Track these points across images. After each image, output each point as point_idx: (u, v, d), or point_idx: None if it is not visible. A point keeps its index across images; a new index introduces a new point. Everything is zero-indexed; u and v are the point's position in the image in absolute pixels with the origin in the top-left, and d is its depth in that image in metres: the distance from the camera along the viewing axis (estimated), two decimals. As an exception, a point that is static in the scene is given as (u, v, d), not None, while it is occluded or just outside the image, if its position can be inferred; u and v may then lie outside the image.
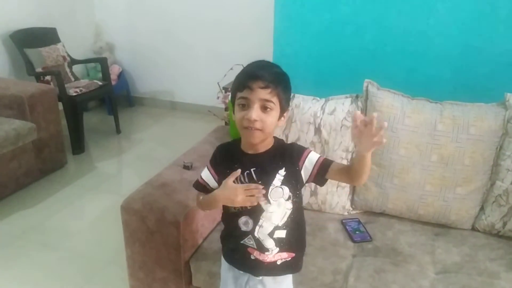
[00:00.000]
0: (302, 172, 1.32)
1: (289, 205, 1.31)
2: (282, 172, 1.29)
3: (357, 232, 1.87)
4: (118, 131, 4.27)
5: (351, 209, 2.03)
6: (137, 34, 4.79)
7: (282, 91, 1.23)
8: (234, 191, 1.26)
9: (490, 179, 1.86)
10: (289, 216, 1.32)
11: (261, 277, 1.39)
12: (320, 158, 1.32)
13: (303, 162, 1.31)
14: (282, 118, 1.29)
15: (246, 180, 1.29)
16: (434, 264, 1.71)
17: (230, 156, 1.35)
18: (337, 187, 1.98)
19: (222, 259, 1.47)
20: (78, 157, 3.75)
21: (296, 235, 1.37)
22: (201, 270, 1.72)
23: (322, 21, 2.59)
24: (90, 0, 4.74)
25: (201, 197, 1.43)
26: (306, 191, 1.98)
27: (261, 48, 2.73)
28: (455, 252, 1.77)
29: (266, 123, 1.22)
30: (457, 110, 1.84)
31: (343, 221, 1.95)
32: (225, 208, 1.37)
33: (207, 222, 1.82)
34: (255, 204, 1.26)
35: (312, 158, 1.32)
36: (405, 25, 2.46)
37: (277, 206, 1.30)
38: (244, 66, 1.29)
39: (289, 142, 1.42)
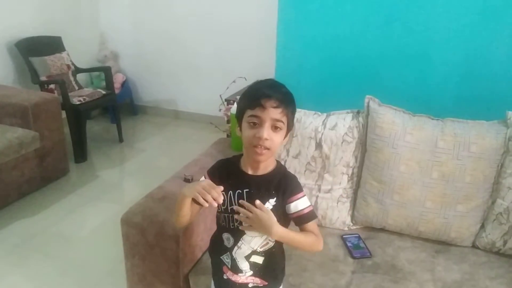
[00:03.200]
0: (286, 208, 1.32)
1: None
2: (272, 201, 1.30)
3: (357, 248, 1.87)
4: (121, 139, 4.28)
5: (351, 224, 2.03)
6: (141, 43, 4.83)
7: (291, 111, 1.26)
8: (199, 183, 1.23)
9: (491, 197, 1.86)
10: (270, 248, 1.34)
11: None
12: (307, 209, 1.32)
13: (291, 202, 1.31)
14: (287, 137, 1.31)
15: (235, 198, 1.30)
16: (434, 282, 1.70)
17: (227, 173, 1.35)
18: (337, 202, 1.98)
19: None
20: (80, 165, 3.76)
21: (273, 265, 1.38)
22: (200, 284, 1.72)
23: (325, 37, 2.60)
24: (95, 9, 4.78)
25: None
26: (306, 206, 1.98)
27: (264, 62, 2.74)
28: (455, 270, 1.76)
29: (275, 143, 1.24)
30: (458, 128, 1.84)
31: (343, 236, 1.95)
32: (217, 219, 1.38)
33: (206, 236, 1.81)
34: (205, 205, 1.17)
35: (300, 204, 1.32)
36: (407, 41, 2.47)
37: (258, 233, 1.30)
38: (246, 79, 1.31)
39: (291, 172, 1.41)
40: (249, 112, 1.23)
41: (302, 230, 1.34)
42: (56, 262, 2.53)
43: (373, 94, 1.96)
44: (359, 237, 1.94)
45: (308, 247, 1.33)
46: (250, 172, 1.32)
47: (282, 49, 2.63)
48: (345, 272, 1.74)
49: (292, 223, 1.36)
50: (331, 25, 2.56)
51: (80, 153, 3.79)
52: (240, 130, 1.29)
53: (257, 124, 1.22)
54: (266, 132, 1.21)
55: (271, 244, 1.33)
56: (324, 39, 2.59)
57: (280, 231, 1.24)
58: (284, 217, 1.33)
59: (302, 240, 1.30)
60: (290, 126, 1.28)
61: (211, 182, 1.23)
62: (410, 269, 1.76)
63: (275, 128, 1.23)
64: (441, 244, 1.92)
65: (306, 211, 1.32)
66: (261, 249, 1.33)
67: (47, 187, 3.31)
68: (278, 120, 1.22)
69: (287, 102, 1.23)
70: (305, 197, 1.34)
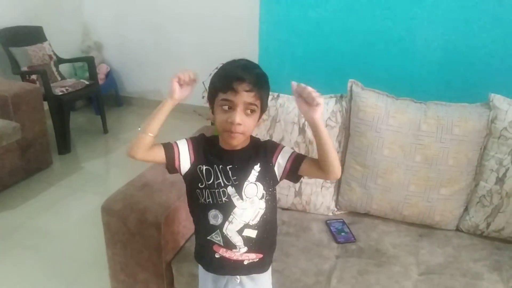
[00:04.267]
0: (276, 169, 1.31)
1: (262, 205, 1.30)
2: (257, 167, 1.28)
3: (341, 233, 1.86)
4: (105, 131, 4.22)
5: (335, 209, 2.02)
6: (125, 34, 4.75)
7: (265, 93, 1.23)
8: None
9: (474, 179, 1.86)
10: (262, 217, 1.31)
11: (239, 279, 1.37)
12: (293, 153, 1.32)
13: (276, 158, 1.31)
14: (261, 119, 1.29)
15: (222, 174, 1.28)
16: (417, 265, 1.70)
17: (209, 149, 1.32)
18: (321, 188, 1.96)
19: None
20: (64, 157, 3.71)
21: (267, 236, 1.36)
22: (183, 272, 1.70)
23: (308, 20, 2.58)
24: (78, -1, 4.70)
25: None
26: (290, 192, 1.97)
27: (247, 49, 2.70)
28: (439, 253, 1.77)
29: (248, 126, 1.21)
30: (441, 110, 1.83)
31: (328, 221, 1.94)
32: (195, 198, 1.32)
33: (189, 223, 1.79)
34: (191, 77, 1.21)
35: (285, 154, 1.31)
36: (390, 25, 2.45)
37: (250, 204, 1.28)
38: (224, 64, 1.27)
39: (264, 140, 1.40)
40: (221, 96, 1.20)
41: (306, 168, 1.29)
42: (38, 254, 2.49)
43: (356, 78, 1.94)
44: (343, 222, 1.93)
45: (334, 151, 1.24)
46: (229, 148, 1.29)
47: (264, 35, 2.61)
48: (329, 256, 1.73)
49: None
50: (313, 10, 2.53)
51: (64, 145, 3.73)
52: (213, 113, 1.26)
53: (229, 108, 1.20)
54: (239, 116, 1.18)
55: (261, 212, 1.30)
56: (307, 24, 2.57)
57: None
58: (273, 182, 1.32)
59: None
60: (264, 108, 1.26)
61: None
62: (394, 253, 1.75)
63: (247, 111, 1.20)
64: (425, 228, 1.93)
65: (294, 154, 1.31)
66: (254, 222, 1.30)
67: (30, 179, 3.26)
68: (251, 104, 1.19)
69: (261, 84, 1.20)
70: (285, 146, 1.34)
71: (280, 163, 1.31)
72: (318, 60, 2.58)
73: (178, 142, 1.32)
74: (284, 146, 1.34)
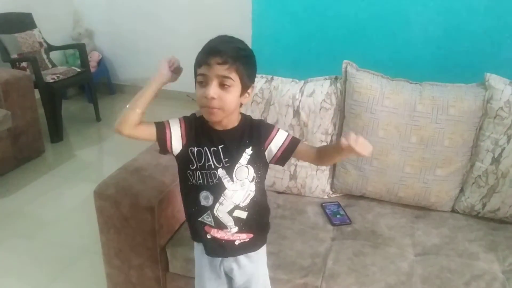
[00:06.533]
0: (266, 154, 1.30)
1: (252, 187, 1.29)
2: (249, 151, 1.26)
3: (336, 216, 1.85)
4: (98, 119, 4.18)
5: (331, 192, 2.01)
6: (117, 21, 4.69)
7: (243, 66, 1.17)
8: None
9: (470, 160, 1.85)
10: (252, 199, 1.30)
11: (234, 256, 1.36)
12: (287, 140, 1.29)
13: (269, 144, 1.29)
14: (246, 95, 1.24)
15: (213, 156, 1.26)
16: (413, 246, 1.69)
17: (200, 128, 1.29)
18: (316, 171, 1.95)
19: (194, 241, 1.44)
20: (56, 145, 3.67)
21: (258, 218, 1.35)
22: (178, 256, 1.69)
23: (301, 2, 2.54)
24: (67, -15, 4.62)
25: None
26: (285, 175, 1.95)
27: (240, 30, 2.66)
28: (434, 234, 1.76)
29: (225, 101, 1.17)
30: (437, 91, 1.81)
31: (323, 204, 1.93)
32: (186, 179, 1.31)
33: (183, 207, 1.78)
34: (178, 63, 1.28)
35: (278, 141, 1.28)
36: (385, 5, 2.42)
37: (240, 186, 1.27)
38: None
39: (256, 119, 1.37)
40: (198, 71, 1.18)
41: (298, 154, 1.30)
42: (32, 241, 2.48)
43: (351, 59, 1.91)
44: (338, 205, 1.92)
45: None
46: (219, 128, 1.27)
47: (258, 16, 2.57)
48: (325, 239, 1.72)
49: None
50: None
51: (56, 133, 3.69)
52: None
53: (203, 83, 1.17)
54: (212, 90, 1.14)
55: (252, 194, 1.29)
56: (301, 4, 2.53)
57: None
58: (264, 165, 1.30)
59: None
60: (246, 83, 1.21)
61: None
62: (390, 235, 1.75)
63: (222, 85, 1.16)
64: (420, 210, 1.92)
65: (287, 142, 1.29)
66: (243, 204, 1.29)
67: (22, 167, 3.23)
68: (225, 77, 1.15)
69: (236, 57, 1.15)
70: (280, 130, 1.31)
71: (272, 149, 1.29)
72: (312, 42, 2.55)
73: (170, 122, 1.30)
74: (278, 130, 1.31)
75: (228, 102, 1.18)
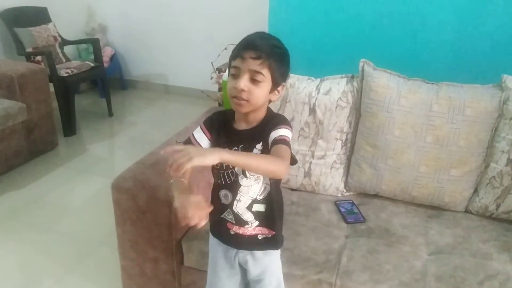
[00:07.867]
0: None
1: (267, 180, 1.30)
2: (259, 146, 1.26)
3: (351, 214, 1.86)
4: (110, 113, 4.21)
5: (344, 190, 2.02)
6: (130, 16, 4.71)
7: (275, 63, 1.18)
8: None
9: (485, 161, 1.85)
10: (268, 192, 1.31)
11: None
12: (279, 137, 1.21)
13: (271, 133, 1.23)
14: (276, 93, 1.25)
15: None
16: (427, 245, 1.70)
17: (223, 127, 1.31)
18: (331, 169, 1.96)
19: (210, 233, 1.46)
20: (69, 139, 3.71)
21: (276, 211, 1.35)
22: (193, 250, 1.70)
23: (318, 1, 2.55)
24: (82, -20, 4.65)
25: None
26: (299, 172, 1.97)
27: (255, 28, 2.67)
28: (448, 234, 1.77)
29: (254, 95, 1.18)
30: (453, 91, 1.82)
31: (337, 202, 1.94)
32: (213, 178, 1.36)
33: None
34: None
35: (275, 134, 1.22)
36: (402, 5, 2.42)
37: (254, 180, 1.28)
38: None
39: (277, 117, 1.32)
40: (232, 64, 1.21)
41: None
42: (46, 234, 2.50)
43: (368, 58, 1.92)
44: (352, 203, 1.93)
45: (264, 165, 1.14)
46: (242, 127, 1.29)
47: (274, 14, 2.58)
48: (339, 236, 1.73)
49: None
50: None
51: (69, 126, 3.73)
52: None
53: (235, 75, 1.19)
54: (243, 83, 1.17)
55: (268, 187, 1.30)
56: (317, 3, 2.54)
57: (224, 153, 1.08)
58: None
59: (256, 157, 1.20)
60: (277, 80, 1.21)
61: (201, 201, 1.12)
62: (403, 233, 1.75)
63: (254, 80, 1.17)
64: (434, 209, 1.92)
65: (280, 138, 1.21)
66: (261, 197, 1.31)
67: (36, 160, 3.26)
68: (257, 72, 1.16)
69: (270, 53, 1.17)
70: (285, 129, 1.23)
71: (270, 140, 1.24)
72: (329, 41, 2.56)
73: (194, 133, 1.33)
74: (285, 128, 1.23)
75: (257, 96, 1.19)
